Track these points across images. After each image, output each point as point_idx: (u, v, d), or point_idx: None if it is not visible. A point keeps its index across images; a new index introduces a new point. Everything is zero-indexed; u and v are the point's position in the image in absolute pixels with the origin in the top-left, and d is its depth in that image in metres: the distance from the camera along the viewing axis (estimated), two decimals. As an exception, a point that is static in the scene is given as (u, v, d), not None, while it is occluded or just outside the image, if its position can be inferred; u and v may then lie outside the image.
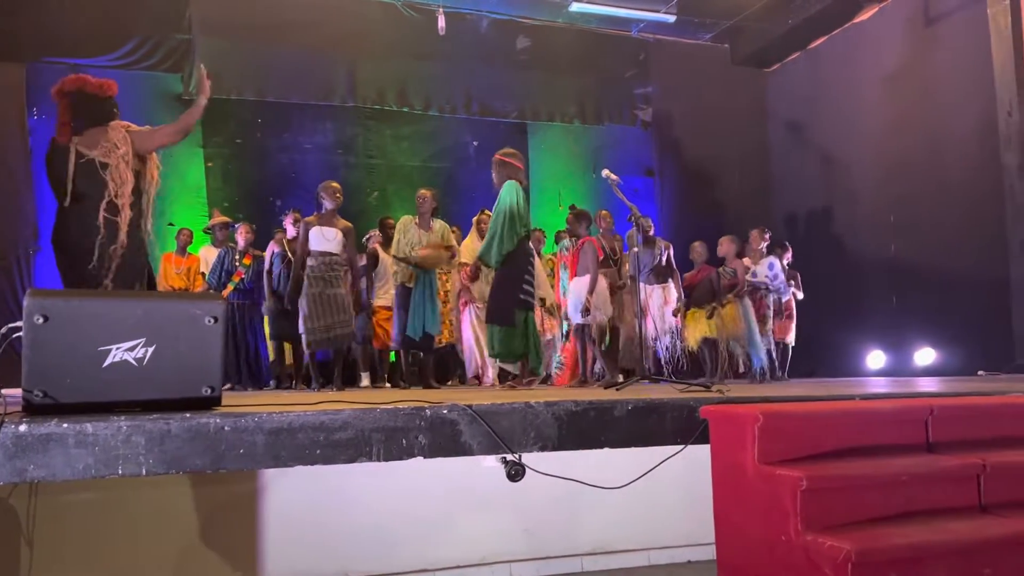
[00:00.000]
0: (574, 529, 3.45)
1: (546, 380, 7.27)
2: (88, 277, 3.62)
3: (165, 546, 2.98)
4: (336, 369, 6.14)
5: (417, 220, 6.54)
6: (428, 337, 6.41)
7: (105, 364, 2.43)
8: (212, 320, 2.56)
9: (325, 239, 5.97)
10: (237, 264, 7.24)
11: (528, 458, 2.86)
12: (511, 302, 5.10)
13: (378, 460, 2.60)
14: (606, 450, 2.94)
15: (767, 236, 7.26)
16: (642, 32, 10.31)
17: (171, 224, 7.92)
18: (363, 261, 7.25)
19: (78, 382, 2.41)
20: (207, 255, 7.57)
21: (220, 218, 7.70)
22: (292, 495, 3.10)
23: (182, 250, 7.70)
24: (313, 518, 3.13)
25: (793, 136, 10.22)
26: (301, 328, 5.99)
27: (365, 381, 7.26)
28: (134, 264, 3.78)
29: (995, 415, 3.17)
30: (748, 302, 6.97)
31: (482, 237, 6.93)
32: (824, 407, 3.11)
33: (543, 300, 7.19)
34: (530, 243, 5.50)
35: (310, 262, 5.96)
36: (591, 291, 6.01)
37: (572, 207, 6.68)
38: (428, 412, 2.67)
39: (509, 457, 2.84)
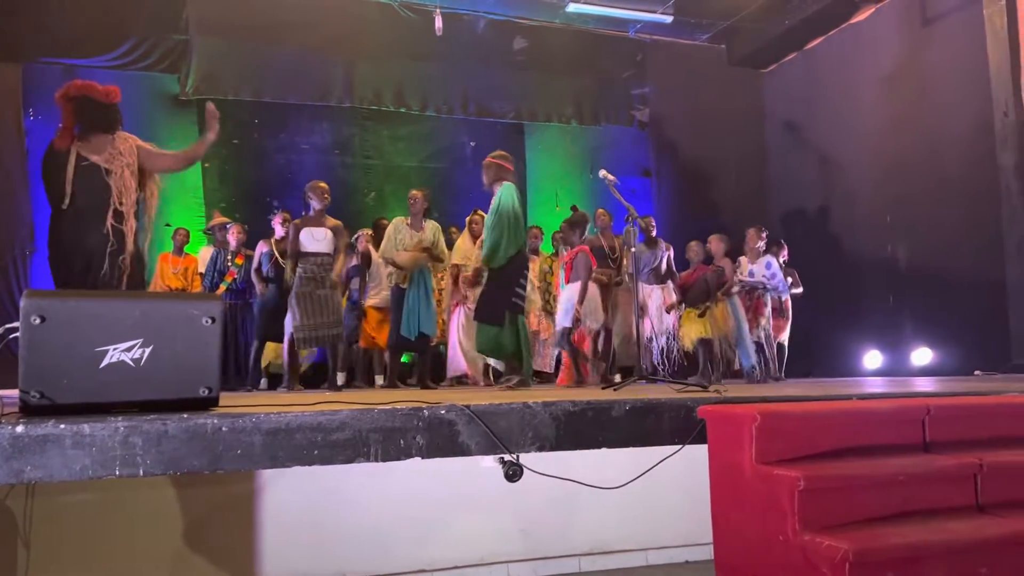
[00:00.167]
0: (572, 529, 3.45)
1: (547, 379, 7.29)
2: (89, 284, 3.62)
3: (162, 547, 2.98)
4: (332, 369, 6.13)
5: (409, 221, 6.54)
6: (424, 337, 6.41)
7: (102, 365, 2.43)
8: (209, 320, 2.56)
9: (315, 239, 5.96)
10: (229, 264, 7.23)
11: (526, 458, 2.86)
12: (502, 303, 5.09)
13: (376, 460, 2.59)
14: (604, 450, 2.94)
15: (764, 235, 7.26)
16: (639, 33, 10.31)
17: (168, 224, 7.90)
18: (354, 261, 7.22)
19: (75, 383, 2.41)
20: (206, 256, 7.55)
21: (220, 219, 7.68)
22: (290, 496, 3.10)
23: (179, 250, 7.69)
24: (311, 519, 3.13)
25: (790, 136, 10.23)
26: (290, 328, 5.99)
27: (340, 380, 7.01)
28: (134, 278, 3.79)
29: (992, 415, 3.18)
30: (737, 301, 6.99)
31: (474, 238, 6.93)
32: (821, 407, 3.12)
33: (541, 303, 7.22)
34: (527, 248, 5.50)
35: (301, 263, 5.96)
36: (580, 300, 6.02)
37: (574, 208, 6.67)
38: (426, 412, 2.67)
39: (507, 457, 2.84)
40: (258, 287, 6.93)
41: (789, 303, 7.51)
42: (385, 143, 9.76)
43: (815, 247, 9.18)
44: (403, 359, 7.44)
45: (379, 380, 7.28)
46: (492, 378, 7.01)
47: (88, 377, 2.42)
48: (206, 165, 8.77)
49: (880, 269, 8.67)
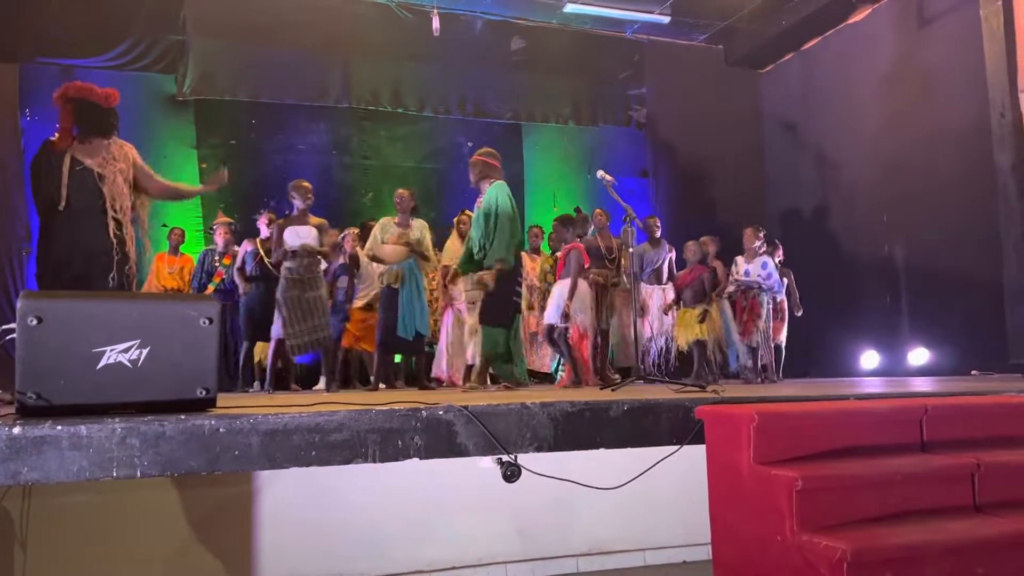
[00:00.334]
0: (570, 530, 3.45)
1: (545, 380, 7.29)
2: (83, 289, 3.61)
3: (160, 548, 2.98)
4: (329, 370, 6.12)
5: (397, 219, 6.53)
6: (419, 337, 6.40)
7: (99, 366, 2.42)
8: (207, 321, 2.56)
9: (299, 237, 5.92)
10: (217, 264, 7.20)
11: (524, 459, 2.86)
12: (508, 304, 5.09)
13: (374, 461, 2.59)
14: (602, 451, 2.94)
15: (761, 235, 7.25)
16: (636, 33, 10.31)
17: (164, 225, 7.89)
18: (341, 260, 7.18)
19: (72, 384, 2.41)
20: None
21: (223, 219, 7.67)
22: (287, 497, 3.10)
23: (175, 250, 7.68)
24: (308, 519, 3.13)
25: (787, 137, 10.24)
26: (280, 332, 5.93)
27: (320, 384, 6.92)
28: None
29: (989, 415, 3.18)
30: (725, 302, 7.01)
31: (462, 238, 6.88)
32: (819, 407, 3.12)
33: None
34: (525, 247, 5.50)
35: (287, 263, 5.92)
36: (570, 296, 6.01)
37: (577, 209, 6.66)
38: (424, 413, 2.67)
39: (505, 458, 2.84)
40: (241, 286, 6.90)
41: (785, 304, 7.49)
42: (383, 143, 9.74)
43: (812, 247, 9.19)
44: (396, 359, 7.44)
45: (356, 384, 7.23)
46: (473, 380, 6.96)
47: (85, 378, 2.41)
48: (203, 166, 8.76)
49: (877, 269, 8.68)
